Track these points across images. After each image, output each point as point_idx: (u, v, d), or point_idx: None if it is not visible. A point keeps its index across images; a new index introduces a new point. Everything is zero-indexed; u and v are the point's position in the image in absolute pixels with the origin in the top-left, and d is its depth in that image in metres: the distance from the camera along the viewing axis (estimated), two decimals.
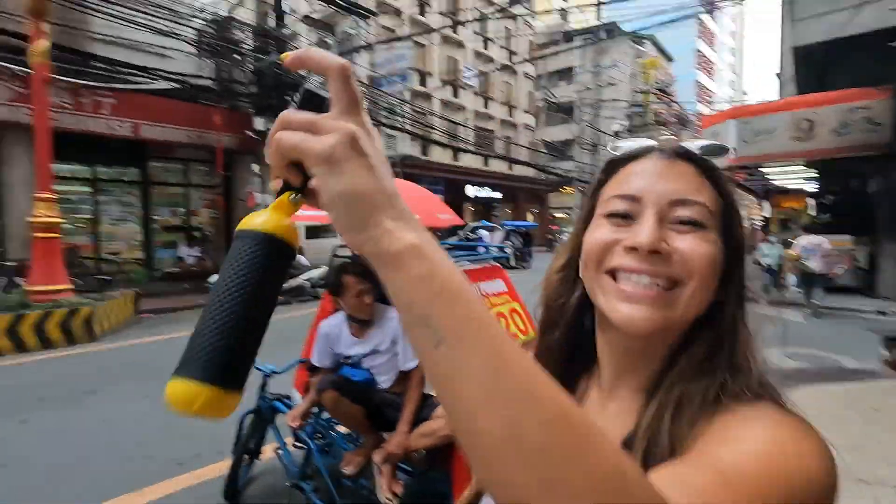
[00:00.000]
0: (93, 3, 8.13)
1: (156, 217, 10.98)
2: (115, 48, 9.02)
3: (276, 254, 0.33)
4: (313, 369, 2.41)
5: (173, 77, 9.44)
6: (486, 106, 25.90)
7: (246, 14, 11.17)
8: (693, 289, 0.46)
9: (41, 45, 6.17)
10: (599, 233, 0.50)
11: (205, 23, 10.10)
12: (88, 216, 9.88)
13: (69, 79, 8.06)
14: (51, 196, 6.36)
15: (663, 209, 0.47)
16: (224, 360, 0.31)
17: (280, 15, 10.95)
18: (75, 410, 3.98)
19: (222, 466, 2.77)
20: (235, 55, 10.65)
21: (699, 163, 0.50)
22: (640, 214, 0.48)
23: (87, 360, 5.49)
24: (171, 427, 3.40)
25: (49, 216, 6.30)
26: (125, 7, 8.56)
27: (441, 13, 22.45)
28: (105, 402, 4.17)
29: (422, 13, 21.74)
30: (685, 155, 0.50)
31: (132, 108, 9.31)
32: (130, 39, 9.05)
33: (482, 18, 23.07)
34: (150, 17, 8.82)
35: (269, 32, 10.89)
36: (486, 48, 25.58)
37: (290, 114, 0.33)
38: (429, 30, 19.74)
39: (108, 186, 10.15)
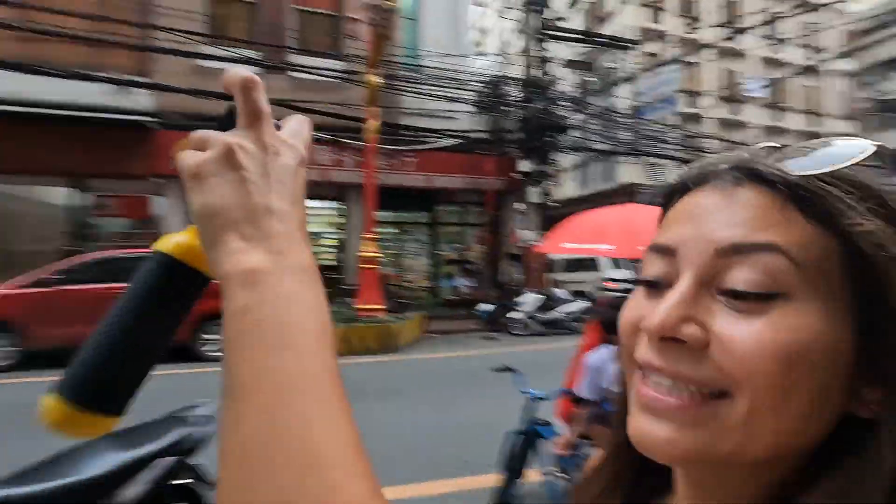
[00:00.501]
0: (404, 86, 10.48)
1: (440, 252, 13.07)
2: (416, 118, 11.35)
3: (175, 277, 0.31)
4: (578, 401, 2.45)
5: (456, 134, 11.24)
6: (777, 119, 21.81)
7: (515, 70, 12.50)
8: (749, 404, 0.26)
9: (373, 124, 8.27)
10: (629, 305, 0.33)
11: (482, 84, 11.76)
12: (394, 252, 12.48)
13: (387, 146, 10.49)
14: (373, 236, 8.32)
15: (706, 267, 0.29)
16: (94, 382, 0.29)
17: (543, 63, 11.88)
18: (384, 403, 5.01)
19: (485, 479, 2.97)
20: (505, 108, 12.00)
21: (782, 186, 0.28)
22: (675, 277, 0.30)
23: (391, 367, 6.86)
24: (445, 433, 3.93)
25: (372, 252, 8.23)
26: (425, 84, 10.75)
27: (715, 25, 20.28)
28: (403, 402, 5.12)
29: (691, 31, 20.10)
30: (757, 175, 0.29)
31: (426, 164, 11.48)
32: (427, 109, 11.26)
33: (773, 20, 19.76)
34: (442, 88, 10.79)
35: (535, 82, 11.88)
36: (776, 53, 21.74)
37: (194, 133, 0.32)
38: (702, 46, 18.06)
39: (408, 228, 12.65)
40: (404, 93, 10.56)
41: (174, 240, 0.32)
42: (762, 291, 0.27)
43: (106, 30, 9.49)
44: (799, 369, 0.26)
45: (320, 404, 0.26)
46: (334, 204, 12.31)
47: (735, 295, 0.27)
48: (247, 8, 10.65)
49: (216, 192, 0.29)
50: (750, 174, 0.30)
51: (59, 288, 6.58)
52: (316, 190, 11.41)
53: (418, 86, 10.73)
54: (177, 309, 0.32)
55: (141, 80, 9.38)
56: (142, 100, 9.53)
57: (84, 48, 9.42)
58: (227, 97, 0.34)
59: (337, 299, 10.40)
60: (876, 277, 0.26)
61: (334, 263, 12.69)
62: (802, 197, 0.28)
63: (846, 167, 0.28)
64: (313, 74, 10.00)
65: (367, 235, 8.30)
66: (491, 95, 11.80)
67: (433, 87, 10.86)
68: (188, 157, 0.31)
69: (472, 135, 11.54)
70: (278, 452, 0.24)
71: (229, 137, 0.31)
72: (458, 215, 13.60)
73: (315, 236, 13.72)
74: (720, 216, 0.29)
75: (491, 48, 25.39)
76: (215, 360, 6.94)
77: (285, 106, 9.60)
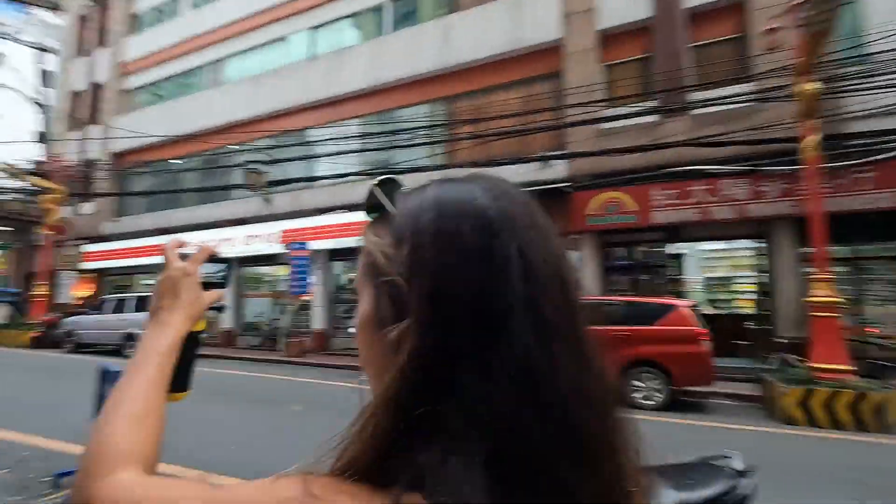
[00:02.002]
0: (849, 86, 8.27)
1: None
2: (867, 120, 8.68)
3: (193, 334, 0.66)
4: None
5: None
6: None
7: None
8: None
9: (812, 140, 6.77)
10: None
11: None
12: (848, 296, 9.57)
13: (830, 164, 8.39)
14: (828, 276, 6.59)
15: None
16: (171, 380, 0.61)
17: None
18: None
19: None
20: None
21: None
22: None
23: (879, 451, 4.99)
24: None
25: (828, 296, 6.51)
26: (880, 75, 8.16)
27: None
28: None
29: None
30: None
31: (889, 178, 8.49)
32: (886, 106, 8.45)
33: None
34: None
35: None
36: None
37: (169, 248, 0.67)
38: None
39: (869, 264, 9.52)
40: (849, 94, 8.32)
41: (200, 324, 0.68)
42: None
43: (530, 120, 11.77)
44: (357, 332, 0.47)
45: (138, 388, 0.55)
46: (750, 243, 10.70)
47: None
48: (641, 64, 11.07)
49: (161, 285, 0.64)
50: None
51: None
52: (727, 230, 10.25)
53: (869, 80, 8.25)
54: (195, 343, 0.67)
55: (558, 153, 11.00)
56: (559, 170, 11.14)
57: (516, 140, 11.96)
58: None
59: (769, 355, 8.71)
60: (368, 261, 0.46)
61: (753, 312, 10.85)
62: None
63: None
64: (718, 105, 9.25)
65: (820, 276, 6.63)
66: None
67: (890, 78, 8.12)
68: (171, 262, 0.66)
69: None
70: (113, 397, 0.54)
71: (171, 269, 0.65)
72: None
73: (724, 282, 12.23)
74: None
75: None
76: (643, 408, 6.86)
77: (691, 145, 9.19)
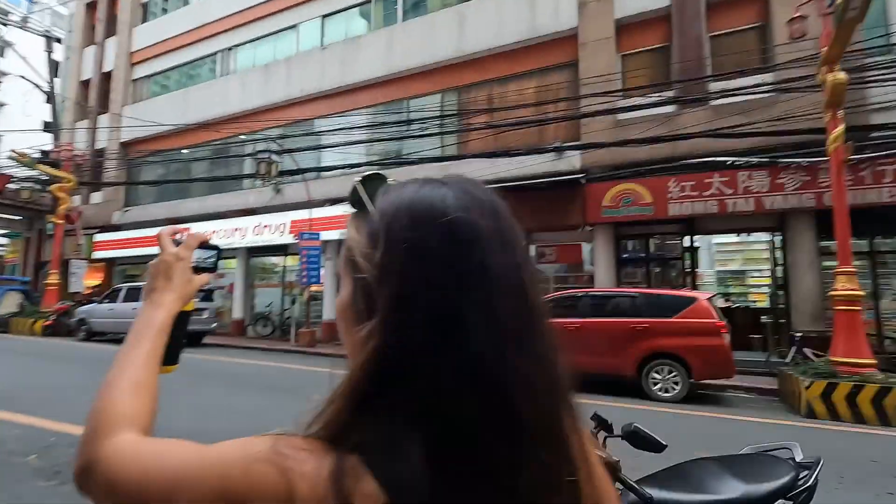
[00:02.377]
0: (872, 76, 8.13)
1: None
2: (891, 112, 8.55)
3: (183, 314, 0.71)
4: None
5: None
6: None
7: None
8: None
9: (839, 131, 6.67)
10: None
11: None
12: (866, 290, 9.48)
13: (854, 157, 8.28)
14: (851, 270, 6.52)
15: None
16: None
17: None
18: None
19: None
20: None
21: None
22: None
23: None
24: None
25: (851, 289, 6.44)
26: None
27: None
28: None
29: None
30: None
31: None
32: None
33: None
34: None
35: None
36: None
37: (163, 234, 0.72)
38: None
39: (887, 258, 9.42)
40: (873, 84, 8.18)
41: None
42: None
43: (545, 111, 11.65)
44: (337, 319, 0.53)
45: (134, 370, 0.59)
46: (766, 236, 10.61)
47: None
48: (659, 53, 10.92)
49: (155, 268, 0.70)
50: None
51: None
52: (744, 223, 10.16)
53: (891, 70, 8.11)
54: (184, 321, 0.72)
55: (573, 144, 10.90)
56: (573, 161, 11.04)
57: (531, 130, 11.85)
58: None
59: (785, 348, 8.67)
60: (348, 255, 0.51)
61: (767, 305, 10.79)
62: None
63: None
64: (738, 96, 9.12)
65: (843, 269, 6.56)
66: None
67: None
68: (165, 248, 0.71)
69: None
70: (111, 374, 0.58)
71: (164, 254, 0.70)
72: None
73: (739, 275, 12.14)
74: None
75: None
76: (661, 399, 6.83)
77: (710, 136, 9.08)
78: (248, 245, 15.16)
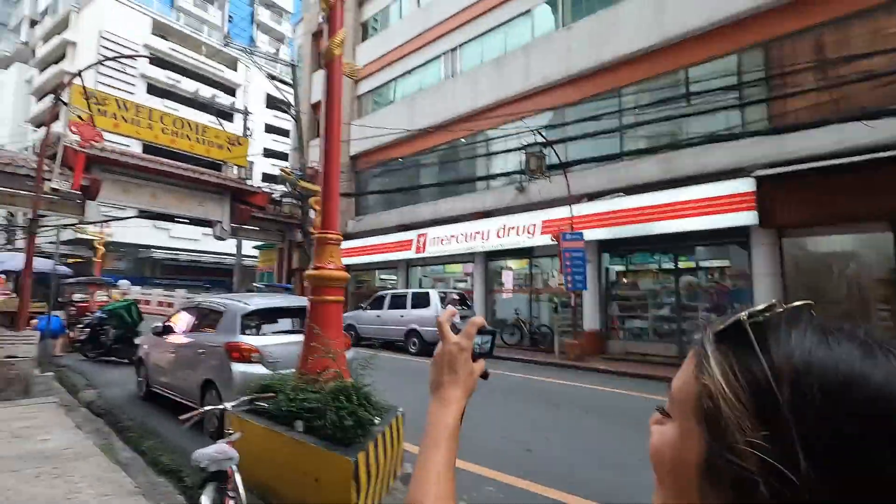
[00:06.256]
0: None
1: None
2: None
3: None
4: None
5: None
6: None
7: None
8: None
9: None
10: None
11: None
12: None
13: None
14: None
15: None
16: None
17: None
18: None
19: None
20: None
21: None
22: None
23: None
24: None
25: None
26: None
27: None
28: None
29: None
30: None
31: None
32: None
33: None
34: None
35: None
36: None
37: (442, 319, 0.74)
38: None
39: None
40: None
41: None
42: (662, 409, 0.44)
43: None
44: (656, 460, 0.42)
45: (437, 468, 0.64)
46: None
47: (661, 411, 0.44)
48: None
49: (440, 359, 0.73)
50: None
51: None
52: None
53: None
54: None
55: None
56: None
57: (884, 86, 8.75)
58: None
59: None
60: (710, 410, 0.37)
61: None
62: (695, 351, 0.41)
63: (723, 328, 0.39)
64: None
65: None
66: None
67: None
68: (446, 337, 0.74)
69: None
70: (420, 470, 0.65)
71: (448, 344, 0.73)
72: None
73: None
74: None
75: None
76: None
77: None
78: (488, 249, 14.48)
